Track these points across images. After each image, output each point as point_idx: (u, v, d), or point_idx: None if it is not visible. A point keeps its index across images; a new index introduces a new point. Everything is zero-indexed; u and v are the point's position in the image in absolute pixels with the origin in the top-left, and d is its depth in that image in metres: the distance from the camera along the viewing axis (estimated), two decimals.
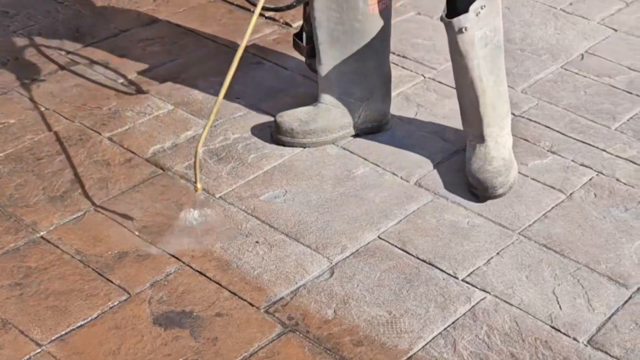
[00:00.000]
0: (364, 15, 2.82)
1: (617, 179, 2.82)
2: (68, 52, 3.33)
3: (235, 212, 2.63)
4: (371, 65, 2.91)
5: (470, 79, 2.71)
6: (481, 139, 2.78)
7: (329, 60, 2.89)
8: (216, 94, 3.09)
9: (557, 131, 3.02)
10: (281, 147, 2.89)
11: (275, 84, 3.20)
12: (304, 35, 3.04)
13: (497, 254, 2.53)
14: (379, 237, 2.57)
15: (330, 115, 2.93)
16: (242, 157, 2.85)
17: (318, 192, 2.72)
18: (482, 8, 2.64)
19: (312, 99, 3.03)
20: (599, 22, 3.67)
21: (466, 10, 2.62)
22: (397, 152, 2.87)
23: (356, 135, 2.97)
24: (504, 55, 2.77)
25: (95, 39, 3.41)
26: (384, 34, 2.89)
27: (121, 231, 2.54)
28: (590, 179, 2.82)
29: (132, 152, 2.83)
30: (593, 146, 2.96)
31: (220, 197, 2.68)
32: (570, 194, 2.76)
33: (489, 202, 2.70)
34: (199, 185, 2.50)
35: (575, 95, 3.21)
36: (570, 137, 3.00)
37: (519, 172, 2.82)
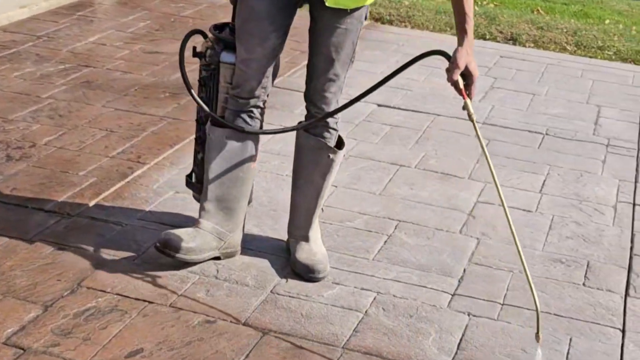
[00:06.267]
0: (247, 168, 3.51)
1: (394, 295, 3.52)
2: None
3: None
4: (242, 205, 3.57)
5: (318, 194, 3.59)
6: (306, 238, 3.61)
7: (212, 197, 3.51)
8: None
9: (333, 267, 3.66)
10: (121, 314, 3.24)
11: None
12: (194, 175, 3.69)
13: None
14: None
15: (206, 238, 3.52)
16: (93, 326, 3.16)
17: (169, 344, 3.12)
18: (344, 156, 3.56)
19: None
20: None
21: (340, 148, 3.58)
22: (221, 305, 3.36)
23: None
24: None
25: None
26: (252, 183, 3.62)
27: None
28: (374, 298, 3.49)
29: None
30: (364, 274, 3.64)
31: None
32: (366, 312, 3.40)
33: (310, 328, 3.26)
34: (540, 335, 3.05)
35: (331, 239, 3.89)
36: (344, 270, 3.66)
37: (320, 303, 3.41)
